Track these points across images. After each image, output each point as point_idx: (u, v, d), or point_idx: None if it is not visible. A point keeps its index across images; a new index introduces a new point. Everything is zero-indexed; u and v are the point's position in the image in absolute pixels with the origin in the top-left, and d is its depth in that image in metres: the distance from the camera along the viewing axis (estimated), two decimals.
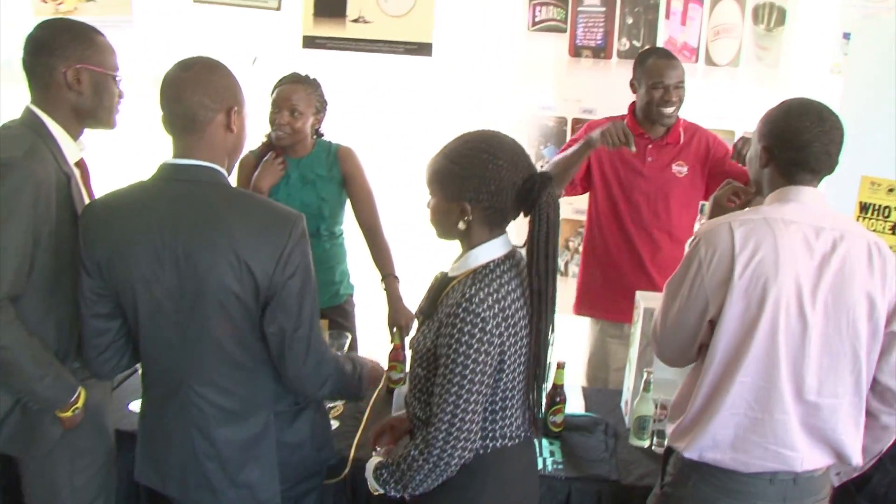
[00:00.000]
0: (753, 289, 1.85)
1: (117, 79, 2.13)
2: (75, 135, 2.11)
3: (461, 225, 1.83)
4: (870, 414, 1.95)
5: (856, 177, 3.03)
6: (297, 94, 2.84)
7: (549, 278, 1.86)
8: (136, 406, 2.49)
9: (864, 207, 3.09)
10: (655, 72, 2.90)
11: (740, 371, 1.88)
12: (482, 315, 1.74)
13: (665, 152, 3.02)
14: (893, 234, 3.04)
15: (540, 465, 2.36)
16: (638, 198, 3.05)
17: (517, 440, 1.93)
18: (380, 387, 2.69)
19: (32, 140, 2.00)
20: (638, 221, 3.07)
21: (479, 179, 1.79)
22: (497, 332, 1.77)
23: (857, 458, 1.93)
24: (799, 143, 1.88)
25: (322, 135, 3.02)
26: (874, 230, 2.99)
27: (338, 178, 2.96)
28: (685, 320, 1.95)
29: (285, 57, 3.48)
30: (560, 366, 2.57)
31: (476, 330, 1.74)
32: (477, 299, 1.76)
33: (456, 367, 1.76)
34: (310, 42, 3.46)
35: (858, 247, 1.86)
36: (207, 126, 1.85)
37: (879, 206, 3.08)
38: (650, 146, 3.02)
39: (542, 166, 3.34)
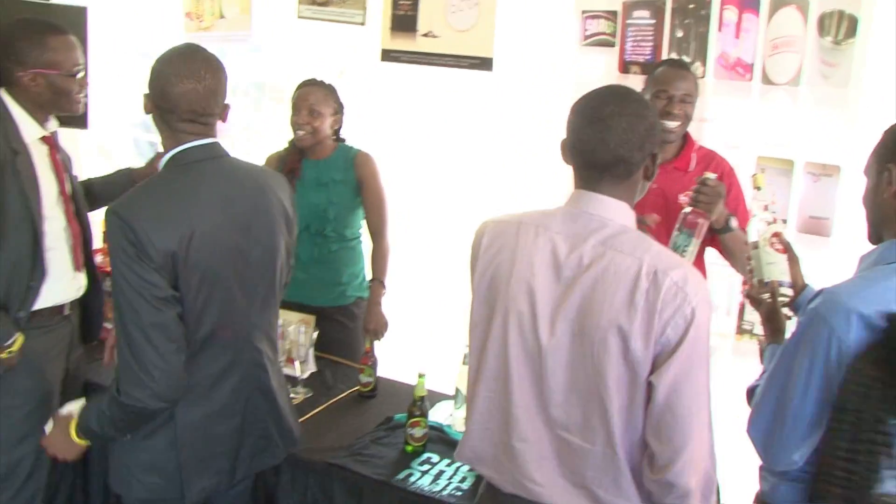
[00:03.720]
0: (488, 297, 1.71)
1: (74, 73, 2.44)
2: (40, 118, 2.46)
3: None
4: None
5: None
6: (314, 95, 3.03)
7: None
8: None
9: None
10: (662, 79, 2.62)
11: (482, 383, 1.74)
12: None
13: (672, 179, 2.63)
14: None
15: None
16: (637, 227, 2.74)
17: None
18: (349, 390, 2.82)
19: None
20: None
21: None
22: None
23: None
24: (574, 127, 1.67)
25: (343, 139, 3.18)
26: None
27: (352, 182, 3.09)
28: None
29: (367, 69, 3.69)
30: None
31: None
32: None
33: None
34: (387, 55, 3.61)
35: (620, 270, 1.57)
36: None
37: None
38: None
39: None
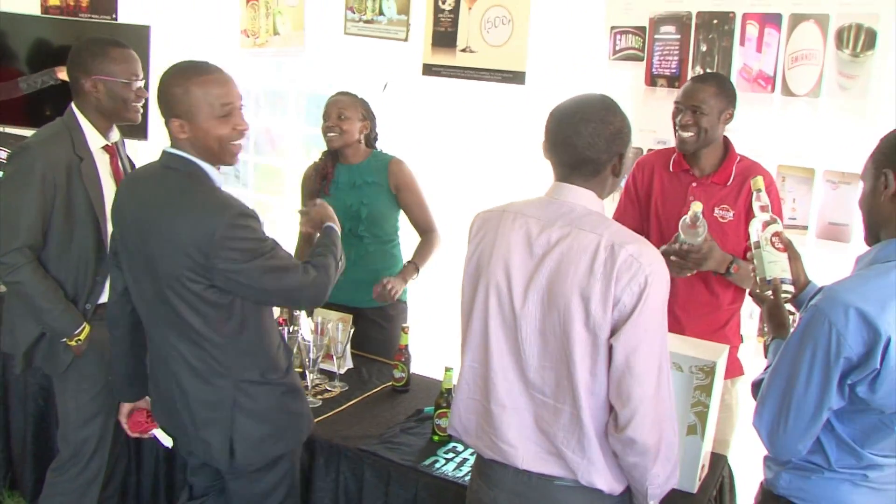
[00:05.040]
0: (474, 275, 1.93)
1: (130, 82, 2.63)
2: (102, 127, 2.68)
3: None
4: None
5: None
6: (341, 103, 3.23)
7: None
8: None
9: None
10: (679, 93, 2.74)
11: (469, 354, 1.95)
12: None
13: (709, 193, 2.75)
14: None
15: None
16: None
17: None
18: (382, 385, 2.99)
19: (57, 130, 2.63)
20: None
21: None
22: None
23: (585, 478, 1.80)
24: (549, 131, 1.89)
25: (377, 148, 3.35)
26: None
27: (385, 185, 3.25)
28: None
29: (409, 83, 3.87)
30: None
31: None
32: None
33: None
34: (428, 70, 3.79)
35: (583, 245, 1.76)
36: None
37: None
38: (694, 184, 2.79)
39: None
